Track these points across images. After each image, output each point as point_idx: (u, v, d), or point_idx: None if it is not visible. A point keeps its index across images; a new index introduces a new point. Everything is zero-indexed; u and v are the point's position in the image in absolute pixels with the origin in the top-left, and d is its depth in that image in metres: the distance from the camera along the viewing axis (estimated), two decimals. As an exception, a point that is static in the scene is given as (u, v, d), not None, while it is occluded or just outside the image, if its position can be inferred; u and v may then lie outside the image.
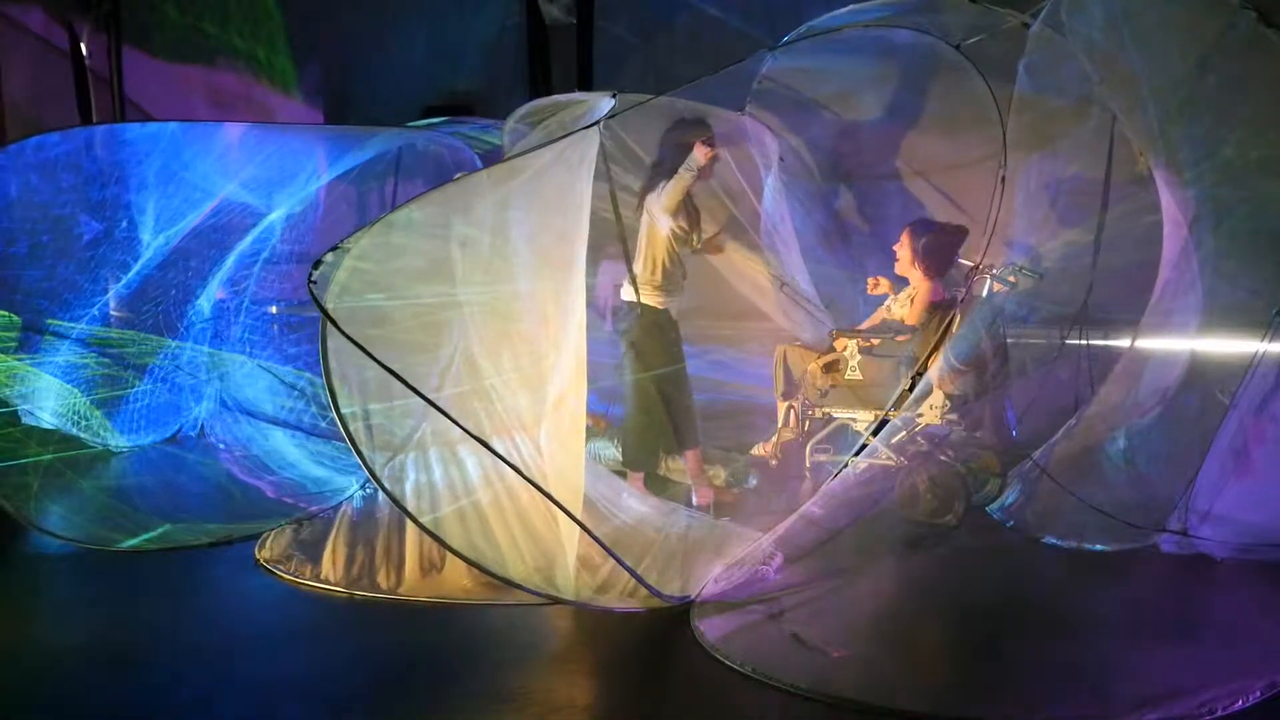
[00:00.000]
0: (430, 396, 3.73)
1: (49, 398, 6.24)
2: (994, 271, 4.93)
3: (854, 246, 6.38)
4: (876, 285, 5.58)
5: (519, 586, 3.88)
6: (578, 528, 3.87)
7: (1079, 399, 5.22)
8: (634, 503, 4.95)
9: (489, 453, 3.79)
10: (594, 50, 8.34)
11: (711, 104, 5.76)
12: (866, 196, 6.39)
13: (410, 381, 3.61)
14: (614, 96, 4.75)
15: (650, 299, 5.32)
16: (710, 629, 3.80)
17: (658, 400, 5.30)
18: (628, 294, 5.40)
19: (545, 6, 8.32)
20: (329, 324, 3.58)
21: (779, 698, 3.33)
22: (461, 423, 3.71)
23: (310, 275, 3.64)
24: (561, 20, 8.31)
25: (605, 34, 8.40)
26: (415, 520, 3.93)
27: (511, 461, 3.81)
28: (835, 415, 5.43)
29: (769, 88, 5.99)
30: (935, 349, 4.60)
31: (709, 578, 4.10)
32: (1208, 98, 4.53)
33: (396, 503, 3.96)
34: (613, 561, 3.90)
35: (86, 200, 6.06)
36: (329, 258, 3.75)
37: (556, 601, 3.94)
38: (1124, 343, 5.07)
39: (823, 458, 5.42)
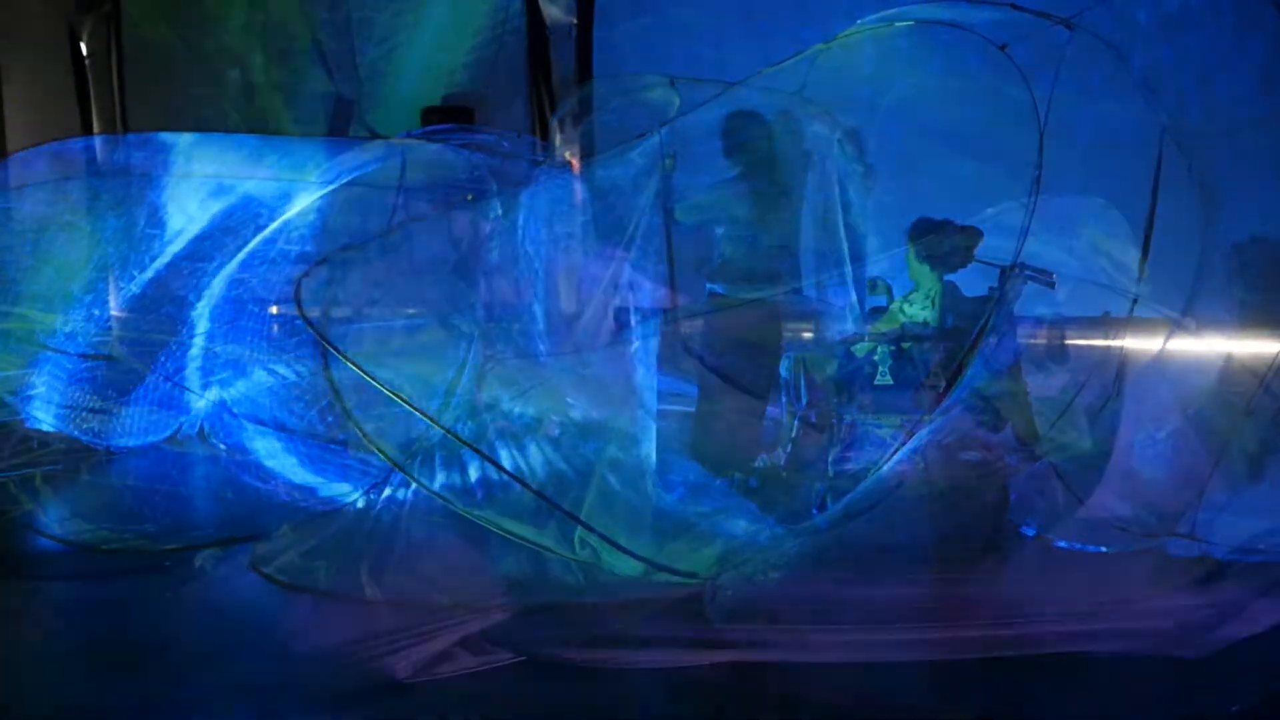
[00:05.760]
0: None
1: (51, 399, 6.22)
2: (1028, 271, 4.84)
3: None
4: (874, 287, 5.51)
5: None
6: None
7: (1100, 401, 5.18)
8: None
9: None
10: (594, 50, 8.34)
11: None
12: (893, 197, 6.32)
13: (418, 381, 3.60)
14: (672, 84, 4.66)
15: None
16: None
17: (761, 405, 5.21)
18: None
19: (545, 6, 8.32)
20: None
21: (783, 695, 3.32)
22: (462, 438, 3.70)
23: (296, 290, 3.61)
24: (562, 20, 8.31)
25: (605, 34, 8.40)
26: (453, 504, 3.99)
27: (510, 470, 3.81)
28: (861, 422, 5.17)
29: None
30: (971, 348, 4.56)
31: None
32: (1247, 101, 4.51)
33: (432, 493, 3.93)
34: None
35: (92, 204, 6.06)
36: (322, 270, 3.74)
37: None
38: (1153, 345, 5.04)
39: (845, 468, 5.20)
